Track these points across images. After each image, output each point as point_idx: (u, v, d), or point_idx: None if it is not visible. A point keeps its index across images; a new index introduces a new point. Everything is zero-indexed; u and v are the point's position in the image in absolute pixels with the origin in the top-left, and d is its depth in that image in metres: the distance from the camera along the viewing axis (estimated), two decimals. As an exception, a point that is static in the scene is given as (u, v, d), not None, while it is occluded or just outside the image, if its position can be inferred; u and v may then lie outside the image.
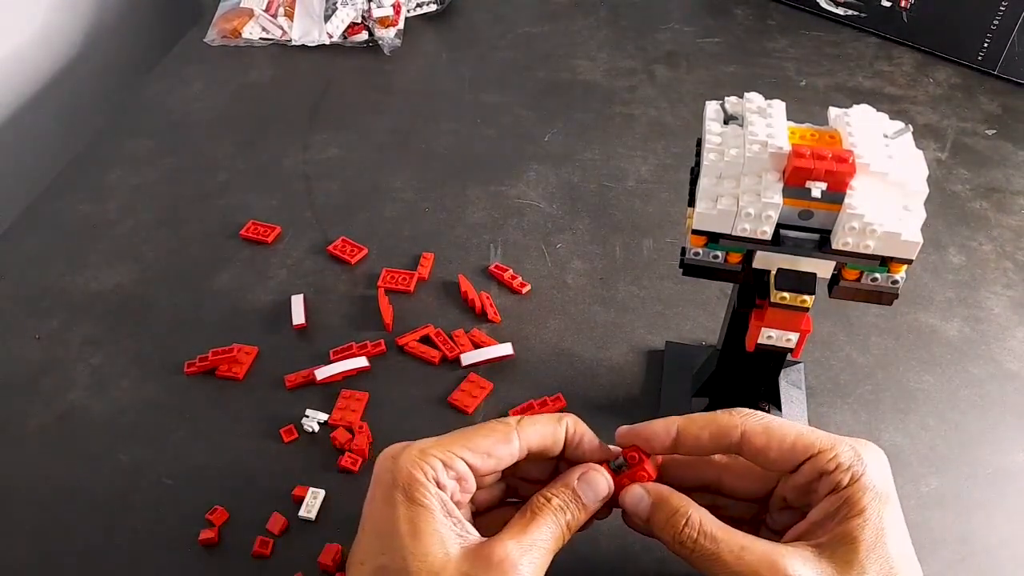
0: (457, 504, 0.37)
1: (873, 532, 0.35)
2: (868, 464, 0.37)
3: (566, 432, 0.40)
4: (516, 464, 0.39)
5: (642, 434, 0.40)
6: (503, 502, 0.42)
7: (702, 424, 0.39)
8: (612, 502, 0.40)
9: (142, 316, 0.58)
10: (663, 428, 0.39)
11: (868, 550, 0.35)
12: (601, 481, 0.39)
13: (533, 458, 0.40)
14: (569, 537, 0.38)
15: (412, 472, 0.36)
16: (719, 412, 0.39)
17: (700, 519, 0.37)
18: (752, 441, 0.38)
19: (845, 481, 0.36)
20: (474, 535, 0.36)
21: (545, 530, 0.37)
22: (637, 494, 0.39)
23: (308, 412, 0.51)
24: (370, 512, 0.37)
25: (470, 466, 0.37)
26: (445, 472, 0.37)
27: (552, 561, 0.37)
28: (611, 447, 0.41)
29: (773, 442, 0.37)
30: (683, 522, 0.37)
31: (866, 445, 0.38)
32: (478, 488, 0.39)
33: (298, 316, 0.57)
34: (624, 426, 0.40)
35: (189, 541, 0.45)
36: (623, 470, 0.40)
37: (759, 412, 0.39)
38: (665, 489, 0.39)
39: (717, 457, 0.41)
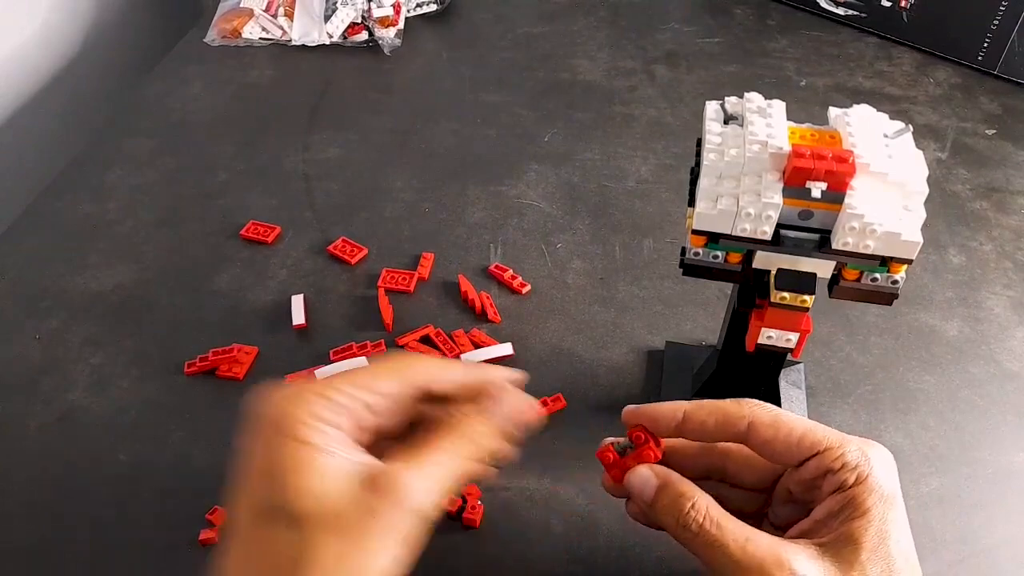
0: (358, 440, 0.35)
1: (876, 534, 0.35)
2: (875, 465, 0.37)
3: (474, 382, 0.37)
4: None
5: (648, 414, 0.39)
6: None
7: (709, 410, 0.38)
8: (619, 491, 0.39)
9: (142, 316, 0.58)
10: (670, 410, 0.39)
11: (870, 551, 0.34)
12: (514, 402, 0.37)
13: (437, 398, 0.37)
14: (486, 465, 0.36)
15: (293, 411, 0.33)
16: (728, 400, 0.38)
17: (707, 505, 0.36)
18: (759, 432, 0.37)
19: (851, 481, 0.36)
20: (370, 461, 0.34)
21: (446, 454, 0.34)
22: (643, 475, 0.38)
23: (308, 412, 0.51)
24: (252, 454, 0.34)
25: (364, 402, 0.35)
26: (330, 408, 0.34)
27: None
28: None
29: (780, 435, 0.37)
30: (689, 505, 0.36)
31: (873, 445, 0.38)
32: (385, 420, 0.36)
33: (298, 316, 0.57)
34: (630, 405, 0.40)
35: (189, 541, 0.45)
36: (628, 451, 0.39)
37: (768, 404, 0.39)
38: (672, 473, 0.38)
39: (721, 444, 0.41)
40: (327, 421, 0.34)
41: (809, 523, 0.37)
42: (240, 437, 0.35)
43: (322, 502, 0.32)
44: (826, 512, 0.36)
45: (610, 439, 0.41)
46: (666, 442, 0.41)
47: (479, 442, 0.35)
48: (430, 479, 0.33)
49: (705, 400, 0.39)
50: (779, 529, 0.39)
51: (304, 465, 0.32)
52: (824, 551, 0.35)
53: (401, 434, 0.37)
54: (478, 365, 0.38)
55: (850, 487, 0.36)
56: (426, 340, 0.56)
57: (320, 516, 0.31)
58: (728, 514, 0.36)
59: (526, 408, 0.37)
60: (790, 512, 0.39)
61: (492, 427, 0.36)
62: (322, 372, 0.53)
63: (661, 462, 0.39)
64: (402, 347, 0.55)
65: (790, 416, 0.38)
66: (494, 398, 0.37)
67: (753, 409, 0.38)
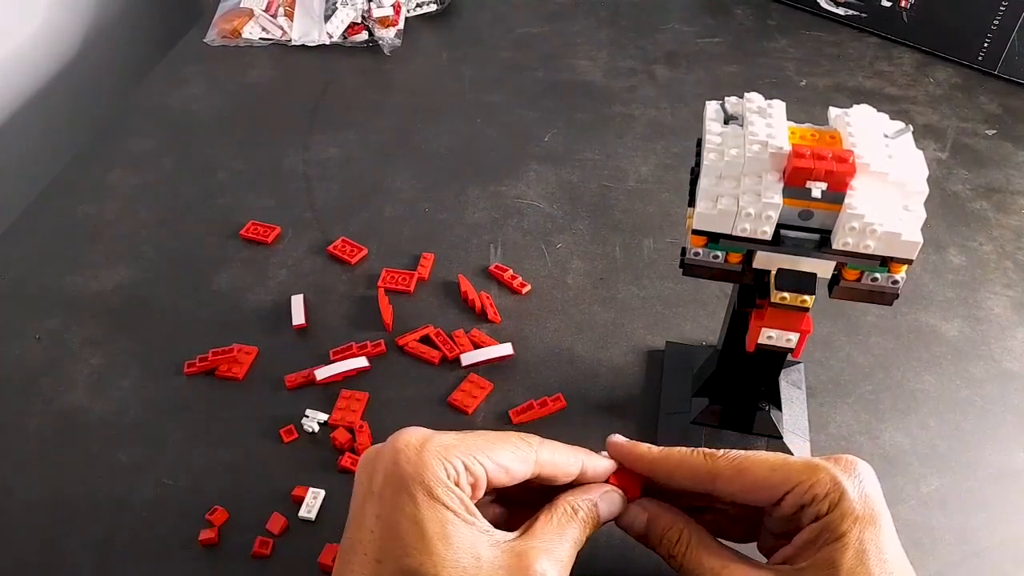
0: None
1: (853, 556, 0.35)
2: (847, 489, 0.36)
3: (581, 470, 0.40)
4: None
5: (627, 451, 0.41)
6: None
7: (677, 462, 0.40)
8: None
9: (142, 316, 0.58)
10: (642, 455, 0.41)
11: (848, 573, 0.35)
12: (619, 502, 0.40)
13: (538, 480, 0.39)
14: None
15: (436, 470, 0.34)
16: (693, 453, 0.39)
17: (691, 535, 0.38)
18: (725, 486, 0.38)
19: (824, 509, 0.36)
20: (497, 533, 0.35)
21: (570, 539, 0.37)
22: (634, 512, 0.40)
23: (308, 412, 0.51)
24: (385, 505, 0.34)
25: (488, 476, 0.36)
26: (465, 475, 0.35)
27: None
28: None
29: (747, 483, 0.38)
30: (676, 537, 0.39)
31: (849, 464, 0.38)
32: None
33: (298, 316, 0.57)
34: (614, 439, 0.41)
35: (189, 541, 0.45)
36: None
37: (733, 451, 0.39)
38: (660, 506, 0.40)
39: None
40: (462, 487, 0.35)
41: (791, 550, 0.37)
42: (365, 485, 0.35)
43: (465, 574, 0.33)
44: (805, 539, 0.37)
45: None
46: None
47: (586, 533, 0.38)
48: (561, 562, 0.36)
49: (675, 449, 0.40)
50: (778, 538, 0.40)
51: (447, 534, 0.33)
52: (804, 574, 0.35)
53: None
54: (591, 459, 0.41)
55: (825, 515, 0.36)
56: (426, 340, 0.56)
57: None
58: (712, 544, 0.38)
59: (620, 509, 0.40)
60: (771, 542, 0.40)
61: (597, 522, 0.39)
62: (322, 372, 0.53)
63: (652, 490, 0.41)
64: (402, 347, 0.55)
65: (755, 457, 0.38)
66: (608, 497, 0.40)
67: (716, 461, 0.39)
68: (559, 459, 0.39)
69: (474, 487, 0.36)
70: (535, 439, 0.39)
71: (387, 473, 0.35)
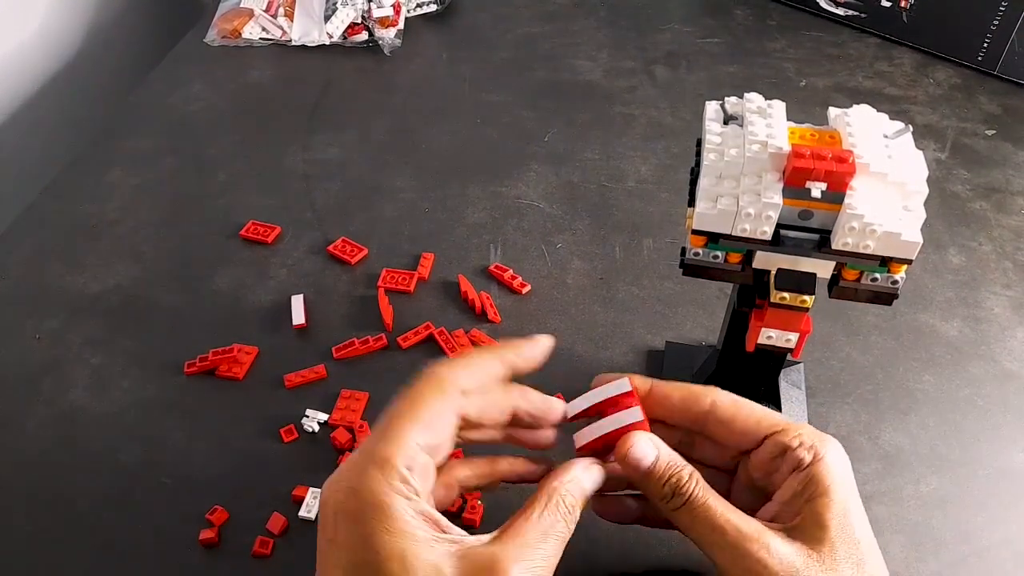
0: (432, 493, 0.35)
1: (841, 514, 0.36)
2: (829, 448, 0.38)
3: (515, 409, 0.39)
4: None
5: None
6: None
7: (675, 387, 0.40)
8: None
9: (142, 316, 0.58)
10: (639, 383, 0.40)
11: (837, 531, 0.35)
12: (602, 473, 0.38)
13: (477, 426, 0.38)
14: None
15: (384, 499, 0.32)
16: (694, 386, 0.40)
17: (699, 477, 0.37)
18: (720, 411, 0.39)
19: (808, 459, 0.37)
20: (460, 536, 0.34)
21: (553, 541, 0.34)
22: (646, 445, 0.38)
23: (308, 412, 0.51)
24: (343, 547, 0.33)
25: (428, 448, 0.35)
26: (413, 475, 0.34)
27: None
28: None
29: (740, 415, 0.39)
30: (688, 475, 0.37)
31: (828, 436, 0.39)
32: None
33: (298, 316, 0.57)
34: (602, 374, 0.41)
35: (189, 541, 0.45)
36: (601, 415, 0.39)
37: (727, 392, 0.40)
38: (664, 444, 0.38)
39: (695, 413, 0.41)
40: (409, 496, 0.33)
41: (775, 506, 0.38)
42: (324, 531, 0.33)
43: None
44: (790, 493, 0.37)
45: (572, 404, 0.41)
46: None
47: (572, 524, 0.36)
48: (534, 560, 0.33)
49: (673, 384, 0.41)
50: (752, 498, 0.40)
51: (406, 561, 0.31)
52: (793, 533, 0.36)
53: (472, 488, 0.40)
54: (522, 394, 0.40)
55: (808, 465, 0.37)
56: (426, 340, 0.56)
57: None
58: (712, 490, 0.37)
59: (651, 459, 0.38)
60: (751, 499, 0.40)
61: (581, 504, 0.37)
62: (582, 437, 0.41)
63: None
64: (403, 347, 0.55)
65: (748, 401, 0.40)
66: (581, 470, 0.38)
67: (716, 392, 0.40)
68: (482, 404, 0.38)
69: (424, 473, 0.35)
70: (445, 368, 0.37)
71: (338, 515, 0.33)
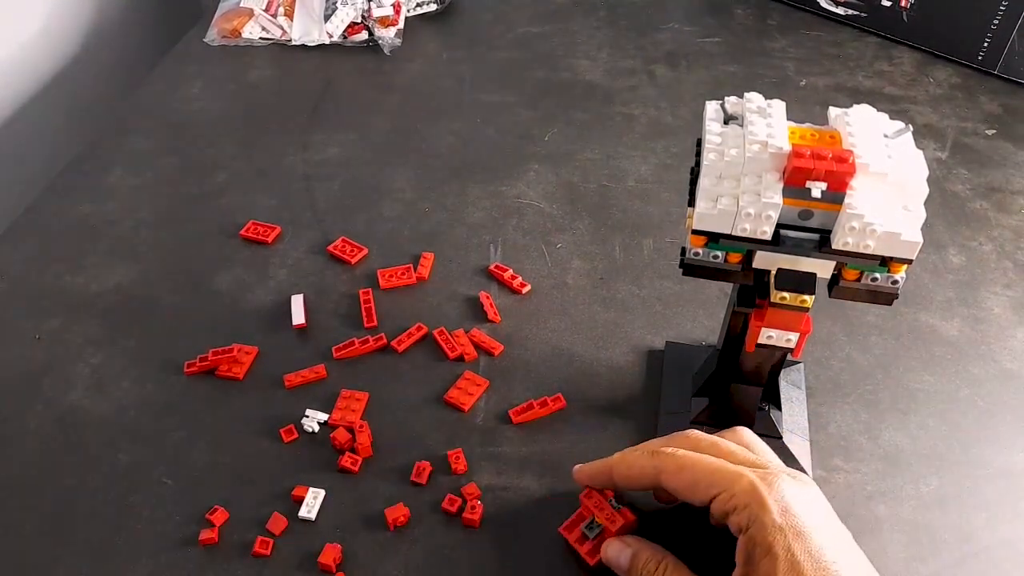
0: None
1: (788, 568, 0.35)
2: (769, 501, 0.37)
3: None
4: None
5: (586, 472, 0.45)
6: None
7: (630, 464, 0.42)
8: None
9: (142, 316, 0.58)
10: (601, 468, 0.44)
11: None
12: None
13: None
14: None
15: None
16: (645, 452, 0.42)
17: (668, 564, 0.40)
18: (667, 482, 0.41)
19: (744, 522, 0.37)
20: None
21: None
22: (617, 547, 0.43)
23: (308, 412, 0.51)
24: None
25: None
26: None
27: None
28: None
29: (683, 484, 0.40)
30: (655, 567, 0.41)
31: (770, 477, 0.38)
32: None
33: (298, 316, 0.57)
34: (578, 465, 0.45)
35: (189, 541, 0.45)
36: (599, 535, 0.44)
37: (681, 450, 0.41)
38: (640, 540, 0.42)
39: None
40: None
41: (739, 570, 0.37)
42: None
43: None
44: (743, 558, 0.37)
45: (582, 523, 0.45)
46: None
47: None
48: None
49: (629, 452, 0.43)
50: None
51: None
52: None
53: None
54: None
55: (747, 529, 0.37)
56: (426, 339, 0.56)
57: None
58: (687, 571, 0.40)
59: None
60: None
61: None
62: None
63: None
64: (402, 347, 0.55)
65: (698, 460, 0.40)
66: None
67: (663, 460, 0.41)
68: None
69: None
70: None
71: None
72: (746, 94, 0.42)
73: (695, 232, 0.40)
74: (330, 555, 0.44)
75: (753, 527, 0.36)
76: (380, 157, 0.72)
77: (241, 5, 0.86)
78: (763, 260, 0.40)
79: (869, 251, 0.38)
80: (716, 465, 0.39)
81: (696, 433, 0.43)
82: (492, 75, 0.82)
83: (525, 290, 0.59)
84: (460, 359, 0.54)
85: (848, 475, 0.49)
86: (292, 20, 0.85)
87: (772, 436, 0.48)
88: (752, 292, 0.43)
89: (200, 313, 0.58)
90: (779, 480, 0.38)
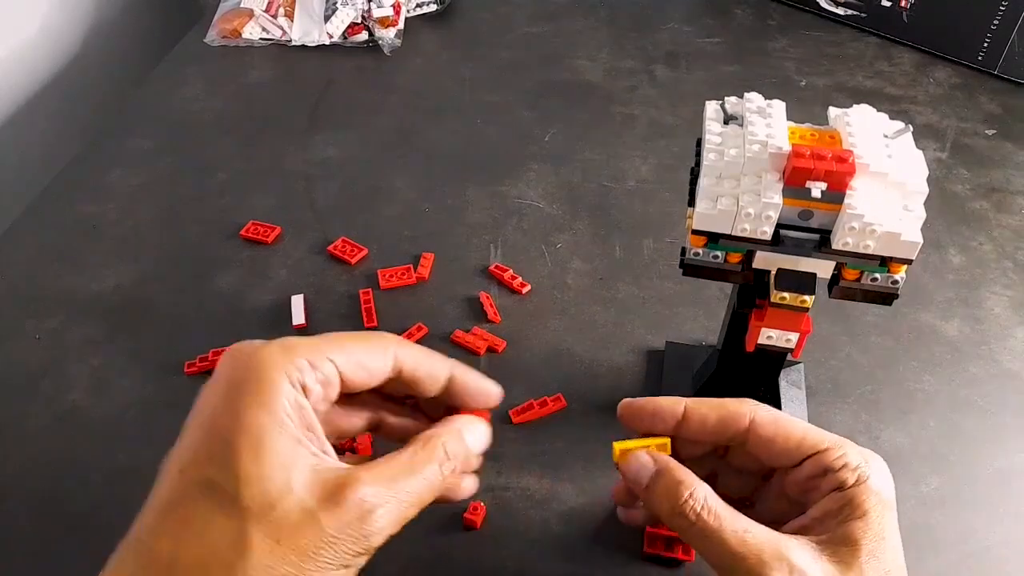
0: (317, 413, 0.33)
1: (875, 536, 0.35)
2: (875, 469, 0.37)
3: (451, 377, 0.37)
4: (386, 394, 0.37)
5: (648, 409, 0.38)
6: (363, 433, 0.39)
7: (711, 406, 0.38)
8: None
9: (142, 316, 0.58)
10: (670, 406, 0.38)
11: (868, 554, 0.34)
12: (488, 433, 0.37)
13: (404, 385, 0.36)
14: (437, 495, 0.34)
15: (272, 373, 0.30)
16: (728, 399, 0.38)
17: (705, 495, 0.35)
18: (761, 431, 0.37)
19: (850, 481, 0.36)
20: (329, 457, 0.32)
21: (419, 479, 0.33)
22: (641, 460, 0.37)
23: (308, 412, 0.51)
24: (206, 409, 0.31)
25: (340, 373, 0.33)
26: (312, 373, 0.32)
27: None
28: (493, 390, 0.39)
29: (781, 434, 0.37)
30: (687, 494, 0.35)
31: (872, 454, 0.38)
32: (341, 406, 0.36)
33: (298, 316, 0.57)
34: (628, 399, 0.39)
35: (189, 541, 0.45)
36: None
37: (768, 405, 0.39)
38: (670, 460, 0.37)
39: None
40: (309, 388, 0.31)
41: (807, 520, 0.37)
42: (207, 382, 0.32)
43: (267, 497, 0.29)
44: (824, 511, 0.36)
45: (617, 443, 0.39)
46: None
47: (449, 475, 0.34)
48: (397, 504, 0.31)
49: (705, 397, 0.39)
50: (770, 523, 0.39)
51: (262, 445, 0.29)
52: (822, 549, 0.35)
53: (356, 434, 0.38)
54: (460, 367, 0.38)
55: (849, 487, 0.36)
56: (426, 339, 0.56)
57: (260, 513, 0.29)
58: (727, 505, 0.36)
59: (486, 444, 0.37)
60: (782, 507, 0.39)
61: (462, 457, 0.35)
62: None
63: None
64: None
65: (790, 417, 0.39)
66: (473, 428, 0.37)
67: (755, 408, 0.38)
68: (421, 358, 0.36)
69: (325, 386, 0.33)
70: (392, 336, 0.36)
71: (218, 378, 0.31)
72: (746, 94, 0.42)
73: (695, 232, 0.40)
74: (330, 555, 0.44)
75: (858, 487, 0.36)
76: (380, 157, 0.72)
77: (241, 5, 0.86)
78: (763, 260, 0.40)
79: (869, 251, 0.38)
80: (810, 426, 0.38)
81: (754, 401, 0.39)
82: (492, 75, 0.82)
83: (525, 290, 0.59)
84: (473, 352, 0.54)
85: (848, 475, 0.49)
86: (292, 20, 0.85)
87: (772, 436, 0.48)
88: (752, 292, 0.43)
89: (200, 313, 0.58)
90: (877, 456, 0.38)
